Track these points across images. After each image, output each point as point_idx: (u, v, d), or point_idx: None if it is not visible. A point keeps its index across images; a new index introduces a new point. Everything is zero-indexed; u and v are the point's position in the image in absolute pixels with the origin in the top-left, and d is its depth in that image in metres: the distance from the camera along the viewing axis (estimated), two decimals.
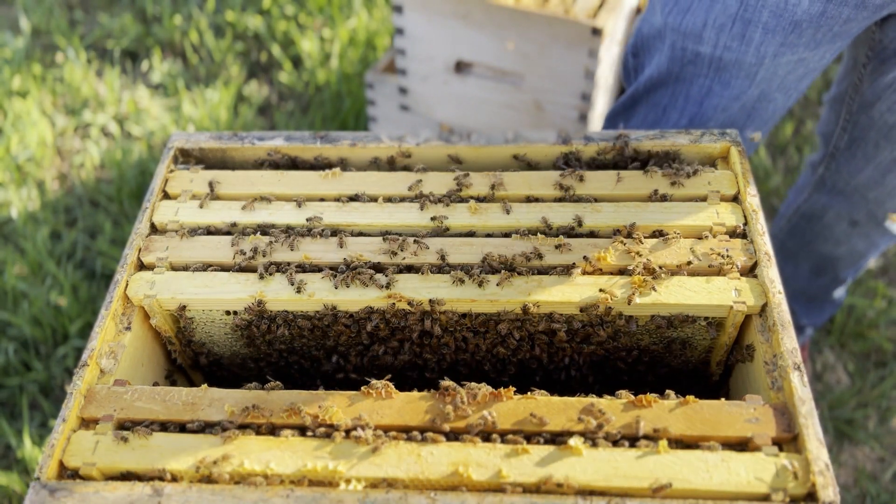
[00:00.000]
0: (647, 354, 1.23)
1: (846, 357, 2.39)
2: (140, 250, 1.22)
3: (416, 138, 1.34)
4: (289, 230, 1.24)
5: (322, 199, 1.29)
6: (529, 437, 0.99)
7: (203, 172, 1.33)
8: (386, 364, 1.27)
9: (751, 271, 1.15)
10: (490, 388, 1.02)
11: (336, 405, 1.01)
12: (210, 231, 1.26)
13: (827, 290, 2.15)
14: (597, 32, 2.00)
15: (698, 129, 1.37)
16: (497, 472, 0.94)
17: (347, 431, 0.99)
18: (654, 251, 1.16)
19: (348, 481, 0.95)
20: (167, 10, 3.47)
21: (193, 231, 1.25)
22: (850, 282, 2.13)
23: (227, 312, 1.20)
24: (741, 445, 0.97)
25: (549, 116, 2.27)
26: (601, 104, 2.29)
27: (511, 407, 1.00)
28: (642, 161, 1.31)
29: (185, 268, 1.21)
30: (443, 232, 1.23)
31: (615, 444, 0.97)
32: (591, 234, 1.21)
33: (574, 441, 0.95)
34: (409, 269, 1.18)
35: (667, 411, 0.99)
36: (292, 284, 1.15)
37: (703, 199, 1.23)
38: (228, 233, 1.25)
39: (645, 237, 1.18)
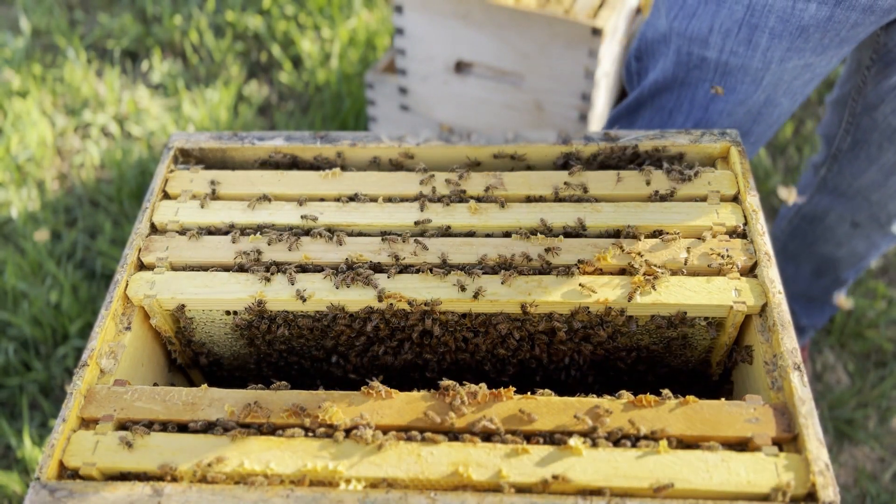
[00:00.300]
0: (647, 354, 1.23)
1: (846, 357, 2.39)
2: (140, 250, 1.22)
3: (416, 138, 1.34)
4: (289, 230, 1.24)
5: (322, 199, 1.29)
6: (529, 437, 0.99)
7: (203, 172, 1.33)
8: (386, 364, 1.27)
9: (751, 271, 1.15)
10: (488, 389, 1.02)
11: (336, 405, 1.01)
12: (210, 231, 1.26)
13: (827, 291, 2.15)
14: (597, 32, 2.00)
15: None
16: (497, 472, 0.94)
17: (348, 431, 0.99)
18: (654, 251, 1.16)
19: (348, 481, 0.95)
20: (167, 10, 3.47)
21: (199, 231, 1.25)
22: (850, 283, 2.13)
23: (227, 312, 1.20)
24: (741, 445, 0.97)
25: (549, 116, 2.27)
26: (601, 104, 2.28)
27: (510, 407, 1.00)
28: (642, 161, 1.31)
29: (186, 268, 1.21)
30: (444, 232, 1.23)
31: (615, 444, 0.97)
32: (591, 235, 1.21)
33: (574, 441, 0.95)
34: (409, 269, 1.18)
35: (667, 411, 0.99)
36: (292, 285, 1.15)
37: (703, 199, 1.23)
38: (228, 233, 1.25)
39: (645, 237, 1.18)
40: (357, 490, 0.93)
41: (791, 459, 0.93)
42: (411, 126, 2.55)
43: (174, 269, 1.21)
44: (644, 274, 1.13)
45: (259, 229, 1.25)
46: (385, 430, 0.99)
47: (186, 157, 1.38)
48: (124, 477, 0.98)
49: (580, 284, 1.12)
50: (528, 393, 1.03)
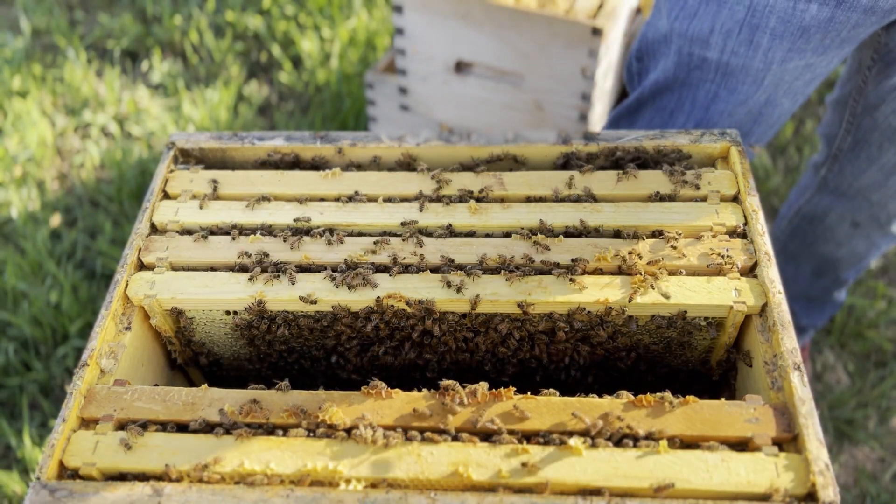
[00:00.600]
0: (647, 354, 1.23)
1: (846, 357, 2.39)
2: (140, 250, 1.22)
3: (416, 138, 1.33)
4: (289, 230, 1.24)
5: (322, 199, 1.29)
6: (529, 437, 0.99)
7: (203, 172, 1.33)
8: (386, 364, 1.27)
9: (751, 271, 1.15)
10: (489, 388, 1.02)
11: (336, 405, 1.01)
12: (211, 231, 1.26)
13: (828, 291, 2.15)
14: (597, 32, 1.99)
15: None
16: (497, 472, 0.94)
17: (348, 431, 0.99)
18: (654, 251, 1.16)
19: (348, 481, 0.95)
20: (167, 10, 3.47)
21: (203, 234, 1.25)
22: (850, 283, 2.13)
23: (228, 312, 1.20)
24: (741, 445, 0.97)
25: (549, 116, 2.27)
26: (601, 104, 2.28)
27: (510, 407, 1.00)
28: (642, 161, 1.31)
29: (186, 268, 1.21)
30: (444, 232, 1.23)
31: (615, 444, 0.97)
32: (591, 234, 1.21)
33: (574, 441, 0.95)
34: (409, 269, 1.18)
35: (667, 411, 0.99)
36: (293, 285, 1.15)
37: (703, 199, 1.23)
38: (228, 233, 1.25)
39: (645, 237, 1.18)
40: (357, 490, 0.93)
41: (791, 459, 0.93)
42: (411, 126, 2.55)
43: (174, 269, 1.21)
44: (644, 274, 1.13)
45: (259, 229, 1.25)
46: (385, 430, 0.99)
47: (186, 157, 1.38)
48: (124, 477, 0.98)
49: (580, 284, 1.12)
50: (528, 393, 1.03)
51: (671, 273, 1.14)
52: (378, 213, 1.25)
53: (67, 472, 0.99)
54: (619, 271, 1.15)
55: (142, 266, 1.22)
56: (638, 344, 1.21)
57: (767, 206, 2.74)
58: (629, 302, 1.10)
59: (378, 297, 1.13)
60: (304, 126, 3.02)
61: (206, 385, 1.06)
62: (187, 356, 1.31)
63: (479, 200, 1.26)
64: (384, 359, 1.26)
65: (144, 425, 1.02)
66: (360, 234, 1.24)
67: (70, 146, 3.02)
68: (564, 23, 2.02)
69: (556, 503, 0.90)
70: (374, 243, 1.20)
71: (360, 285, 1.14)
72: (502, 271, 1.15)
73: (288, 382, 1.06)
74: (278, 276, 1.16)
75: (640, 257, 1.14)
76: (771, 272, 1.11)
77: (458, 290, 1.12)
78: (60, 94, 3.19)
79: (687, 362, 1.26)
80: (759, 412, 0.98)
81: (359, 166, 1.36)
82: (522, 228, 1.21)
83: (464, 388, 1.02)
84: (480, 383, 1.02)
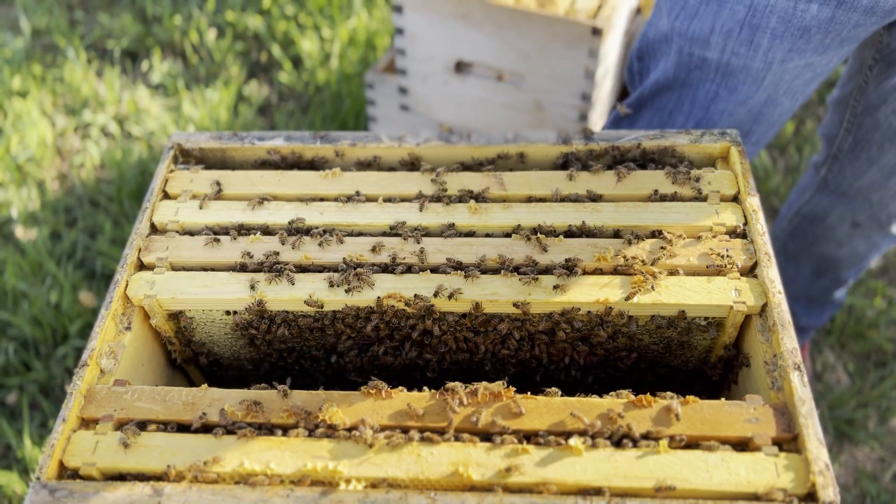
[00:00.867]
0: (647, 354, 1.23)
1: (846, 357, 2.39)
2: (140, 250, 1.22)
3: (416, 138, 1.34)
4: (289, 230, 1.24)
5: (322, 199, 1.29)
6: (530, 437, 0.99)
7: (203, 172, 1.33)
8: (386, 364, 1.27)
9: (751, 271, 1.15)
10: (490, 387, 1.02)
11: (336, 405, 1.01)
12: (211, 231, 1.26)
13: (828, 291, 2.15)
14: (597, 32, 1.99)
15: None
16: (497, 472, 0.94)
17: (348, 431, 0.99)
18: (654, 251, 1.16)
19: (348, 481, 0.95)
20: (167, 10, 3.47)
21: (207, 235, 1.25)
22: (850, 283, 2.13)
23: (227, 312, 1.20)
24: (741, 445, 0.97)
25: (549, 116, 2.27)
26: (601, 104, 2.28)
27: (511, 406, 1.00)
28: (642, 161, 1.31)
29: (186, 268, 1.21)
30: (446, 230, 1.23)
31: (615, 444, 0.97)
32: (592, 234, 1.21)
33: (574, 441, 0.95)
34: (409, 268, 1.18)
35: (667, 411, 0.99)
36: (292, 285, 1.15)
37: (704, 199, 1.23)
38: (228, 233, 1.25)
39: (645, 237, 1.18)
40: (357, 490, 0.93)
41: (791, 459, 0.93)
42: (411, 126, 2.55)
43: (174, 269, 1.21)
44: (644, 274, 1.13)
45: (259, 229, 1.25)
46: (385, 430, 0.99)
47: (186, 157, 1.38)
48: (124, 477, 0.98)
49: (580, 284, 1.12)
50: (528, 393, 1.03)
51: (671, 273, 1.14)
52: (378, 213, 1.25)
53: (67, 472, 0.99)
54: (619, 271, 1.15)
55: (142, 266, 1.22)
56: (638, 344, 1.21)
57: (767, 206, 2.74)
58: (629, 302, 1.10)
59: (378, 297, 1.13)
60: (304, 126, 3.02)
61: (206, 385, 1.06)
62: (187, 356, 1.31)
63: (479, 200, 1.26)
64: (384, 359, 1.26)
65: (143, 425, 1.02)
66: (360, 234, 1.24)
67: (70, 146, 3.02)
68: (564, 23, 2.02)
69: (556, 503, 0.90)
70: (374, 244, 1.19)
71: (360, 286, 1.14)
72: (502, 271, 1.15)
73: (289, 384, 1.06)
74: (278, 276, 1.16)
75: (640, 257, 1.14)
76: (771, 272, 1.11)
77: (451, 296, 1.12)
78: (60, 94, 3.19)
79: (687, 362, 1.26)
80: (759, 412, 0.98)
81: (359, 166, 1.36)
82: (522, 228, 1.21)
83: (464, 387, 1.02)
84: (481, 383, 1.02)
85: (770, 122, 1.52)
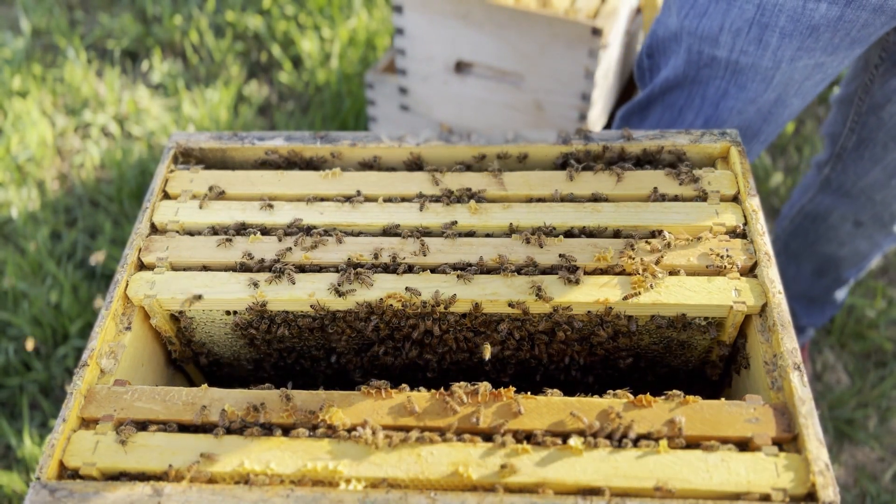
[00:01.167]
0: (647, 354, 1.23)
1: (846, 357, 2.39)
2: (140, 250, 1.22)
3: (416, 138, 1.34)
4: (289, 230, 1.24)
5: (322, 199, 1.29)
6: (530, 437, 0.99)
7: (203, 172, 1.33)
8: (386, 364, 1.27)
9: (751, 271, 1.15)
10: (490, 387, 1.02)
11: (336, 405, 1.01)
12: (211, 231, 1.26)
13: (829, 291, 2.15)
14: (597, 32, 1.99)
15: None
16: (497, 472, 0.94)
17: (348, 431, 0.99)
18: (654, 251, 1.16)
19: (348, 481, 0.95)
20: (167, 10, 3.47)
21: (199, 232, 1.25)
22: (851, 283, 2.13)
23: (228, 312, 1.20)
24: (741, 445, 0.97)
25: (549, 116, 2.27)
26: (601, 104, 2.28)
27: (511, 406, 1.00)
28: (642, 161, 1.31)
29: (186, 268, 1.21)
30: (446, 230, 1.23)
31: (615, 444, 0.97)
32: (591, 234, 1.21)
33: (574, 441, 0.95)
34: (409, 268, 1.18)
35: (667, 411, 0.99)
36: (293, 285, 1.15)
37: (704, 199, 1.23)
38: (228, 233, 1.25)
39: (645, 237, 1.18)
40: (357, 490, 0.93)
41: (791, 459, 0.93)
42: (411, 126, 2.55)
43: (174, 269, 1.21)
44: (644, 274, 1.13)
45: (259, 229, 1.25)
46: (385, 430, 0.99)
47: (186, 157, 1.38)
48: (124, 477, 0.98)
49: (580, 284, 1.12)
50: (528, 393, 1.03)
51: (671, 273, 1.14)
52: (378, 213, 1.25)
53: (67, 472, 0.99)
54: (620, 271, 1.15)
55: (142, 266, 1.22)
56: (638, 344, 1.21)
57: (767, 205, 2.74)
58: (629, 302, 1.10)
59: (378, 297, 1.13)
60: (304, 126, 3.02)
61: (206, 385, 1.06)
62: (187, 356, 1.31)
63: (479, 200, 1.26)
64: (384, 359, 1.26)
65: (144, 425, 1.02)
66: (360, 234, 1.24)
67: (70, 146, 3.02)
68: (564, 23, 2.02)
69: (556, 503, 0.90)
70: (374, 244, 1.19)
71: (360, 286, 1.14)
72: (502, 271, 1.15)
73: (289, 386, 1.07)
74: (279, 276, 1.16)
75: (640, 257, 1.14)
76: (771, 272, 1.11)
77: (446, 305, 1.12)
78: (60, 94, 3.19)
79: (687, 362, 1.26)
80: (759, 412, 0.98)
81: (359, 166, 1.36)
82: (522, 228, 1.21)
83: (464, 387, 1.02)
84: (483, 382, 1.02)
85: (779, 122, 1.52)
